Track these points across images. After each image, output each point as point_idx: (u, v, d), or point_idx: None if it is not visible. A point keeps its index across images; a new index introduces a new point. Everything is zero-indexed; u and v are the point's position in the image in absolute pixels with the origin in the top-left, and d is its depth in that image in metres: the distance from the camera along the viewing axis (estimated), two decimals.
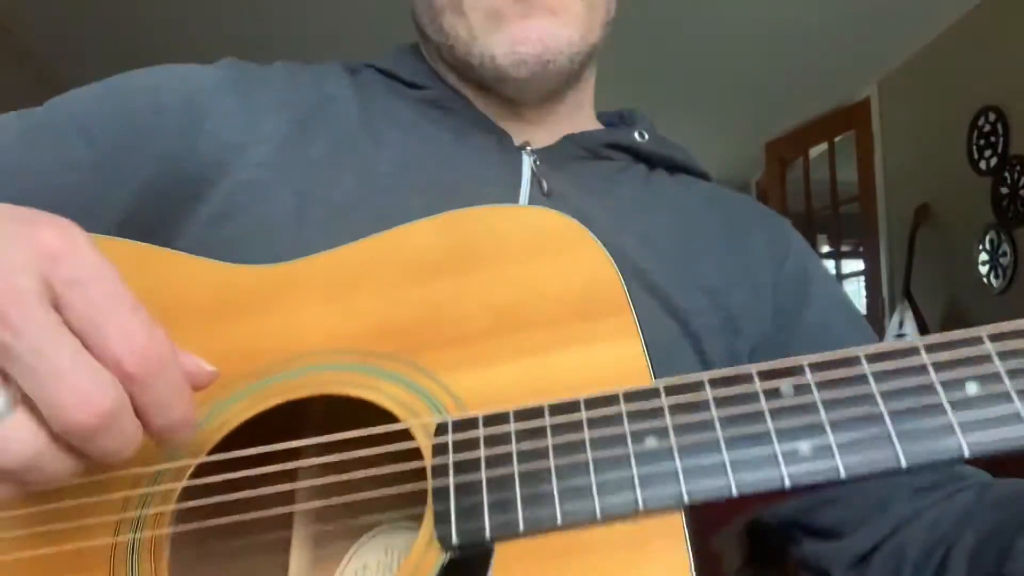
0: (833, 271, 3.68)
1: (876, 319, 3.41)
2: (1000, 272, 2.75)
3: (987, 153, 2.80)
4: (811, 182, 3.79)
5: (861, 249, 3.63)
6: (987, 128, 2.80)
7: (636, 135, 0.68)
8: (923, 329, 2.98)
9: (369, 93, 0.64)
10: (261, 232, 0.55)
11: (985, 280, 2.82)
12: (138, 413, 0.35)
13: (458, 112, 0.64)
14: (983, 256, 2.83)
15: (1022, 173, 2.65)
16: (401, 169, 0.59)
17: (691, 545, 0.37)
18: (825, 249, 4.09)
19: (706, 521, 0.39)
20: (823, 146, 3.81)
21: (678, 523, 0.37)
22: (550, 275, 0.45)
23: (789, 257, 0.67)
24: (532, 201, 0.60)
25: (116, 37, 2.88)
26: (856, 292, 3.83)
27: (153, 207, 0.56)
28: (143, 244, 0.50)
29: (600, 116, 0.75)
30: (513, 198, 0.60)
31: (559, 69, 0.60)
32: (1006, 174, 2.71)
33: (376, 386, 0.44)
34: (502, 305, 0.45)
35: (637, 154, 0.68)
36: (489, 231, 0.47)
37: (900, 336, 3.01)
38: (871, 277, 3.51)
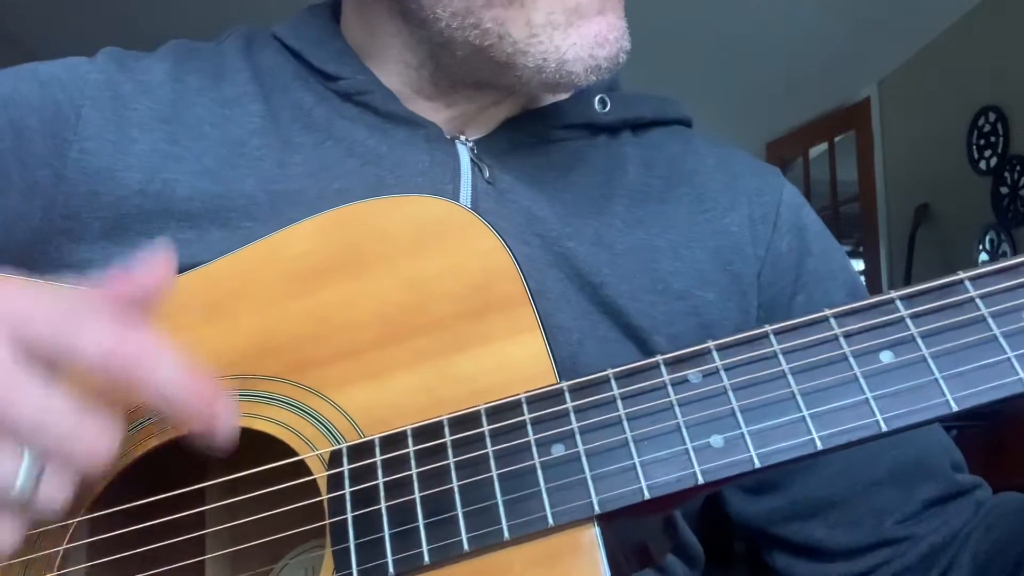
0: None
1: None
2: None
3: (987, 153, 2.79)
4: (811, 182, 3.78)
5: (861, 249, 3.61)
6: (987, 128, 2.79)
7: (596, 104, 0.59)
8: None
9: (273, 84, 0.56)
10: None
11: None
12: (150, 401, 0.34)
13: (376, 107, 0.55)
14: (983, 256, 2.81)
15: (1022, 173, 2.64)
16: (315, 175, 0.52)
17: (610, 550, 0.35)
18: None
19: (628, 519, 0.38)
20: (823, 146, 3.79)
21: (592, 533, 0.35)
22: (440, 271, 0.42)
23: (777, 230, 0.58)
24: (476, 194, 0.53)
25: (104, 21, 2.88)
26: None
27: (23, 244, 0.51)
28: (4, 276, 0.46)
29: None
30: (452, 195, 0.52)
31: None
32: (1006, 174, 2.70)
33: (262, 413, 0.41)
34: (392, 309, 0.41)
35: (597, 126, 0.59)
36: (373, 228, 0.43)
37: None
38: (871, 277, 3.49)
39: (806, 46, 3.10)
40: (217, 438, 0.35)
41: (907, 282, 3.04)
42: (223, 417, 0.35)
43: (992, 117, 2.76)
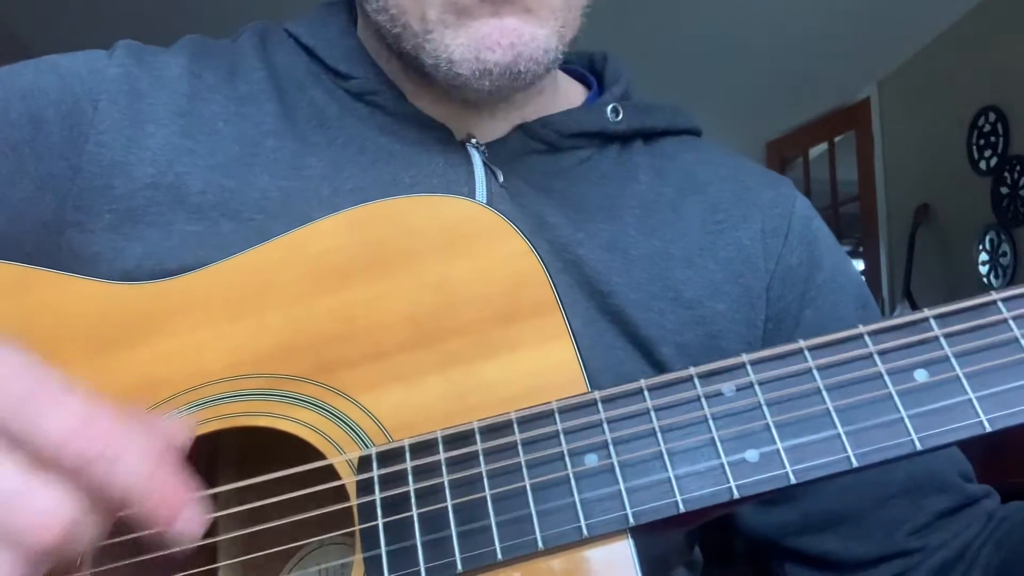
0: None
1: None
2: (1000, 272, 2.74)
3: (987, 153, 2.80)
4: (811, 182, 3.78)
5: (861, 249, 3.62)
6: (987, 128, 2.79)
7: (609, 113, 0.58)
8: None
9: (288, 82, 0.56)
10: (156, 262, 0.48)
11: (985, 280, 2.81)
12: (112, 505, 0.31)
13: (387, 107, 0.55)
14: (983, 256, 2.82)
15: (1022, 173, 2.65)
16: (329, 174, 0.52)
17: (642, 560, 0.36)
18: None
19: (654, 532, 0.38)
20: (823, 146, 3.80)
21: (625, 545, 0.36)
22: (470, 273, 0.41)
23: (788, 243, 0.58)
24: (490, 197, 0.53)
25: (104, 20, 2.87)
26: None
27: (33, 236, 0.50)
28: (20, 265, 0.45)
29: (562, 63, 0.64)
30: (467, 197, 0.51)
31: (530, 80, 0.50)
32: (1006, 174, 2.70)
33: (289, 414, 0.40)
34: (420, 311, 0.41)
35: (608, 136, 0.58)
36: (400, 227, 0.43)
37: None
38: (871, 277, 3.50)
39: (806, 46, 3.10)
40: (175, 537, 0.33)
41: (907, 282, 3.05)
42: (188, 521, 0.33)
43: (992, 117, 2.76)
